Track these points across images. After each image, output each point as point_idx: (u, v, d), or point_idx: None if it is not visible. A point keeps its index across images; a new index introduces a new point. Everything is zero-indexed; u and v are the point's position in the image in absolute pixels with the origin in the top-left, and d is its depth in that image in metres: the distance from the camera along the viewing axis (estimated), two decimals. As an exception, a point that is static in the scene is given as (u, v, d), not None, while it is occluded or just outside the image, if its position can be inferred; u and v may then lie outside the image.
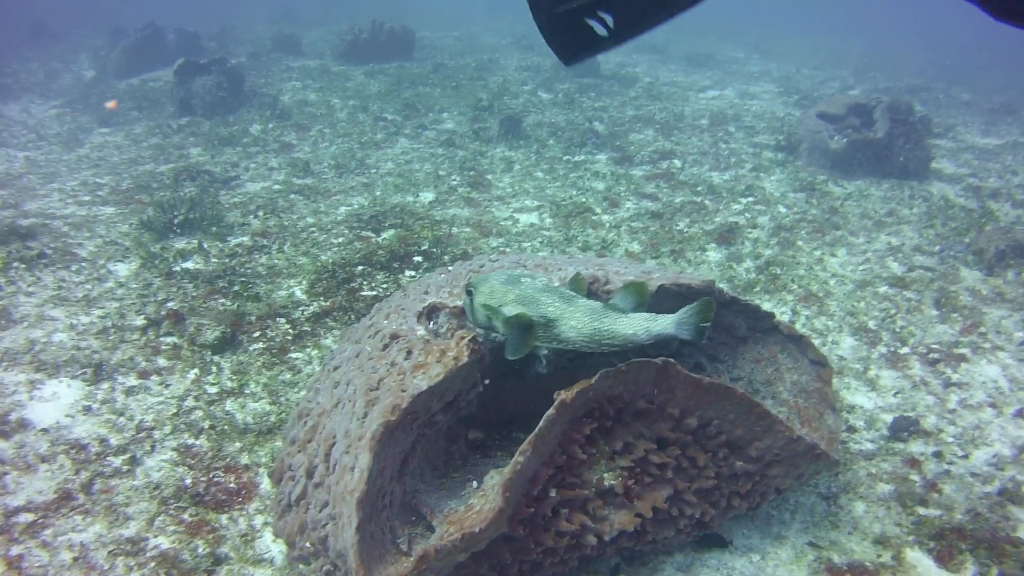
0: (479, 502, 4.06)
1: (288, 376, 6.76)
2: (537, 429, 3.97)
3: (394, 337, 4.62)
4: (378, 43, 21.20)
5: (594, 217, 11.19)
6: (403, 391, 4.11)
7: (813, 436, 5.20)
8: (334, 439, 4.42)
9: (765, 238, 10.98)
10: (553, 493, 4.23)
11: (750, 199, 12.56)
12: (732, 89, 21.90)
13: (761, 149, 15.45)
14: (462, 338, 4.38)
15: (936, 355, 8.30)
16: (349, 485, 3.98)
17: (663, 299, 5.04)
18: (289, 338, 7.27)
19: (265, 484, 5.56)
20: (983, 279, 10.23)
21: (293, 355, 7.07)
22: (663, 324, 4.21)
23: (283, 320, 7.53)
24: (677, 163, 14.16)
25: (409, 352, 4.42)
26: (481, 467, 4.84)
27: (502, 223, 10.66)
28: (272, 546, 5.05)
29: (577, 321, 4.26)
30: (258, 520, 5.26)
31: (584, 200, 11.83)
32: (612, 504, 4.45)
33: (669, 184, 12.93)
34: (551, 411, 4.03)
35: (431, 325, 4.71)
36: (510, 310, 4.26)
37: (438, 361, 4.26)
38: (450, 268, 5.54)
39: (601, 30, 2.87)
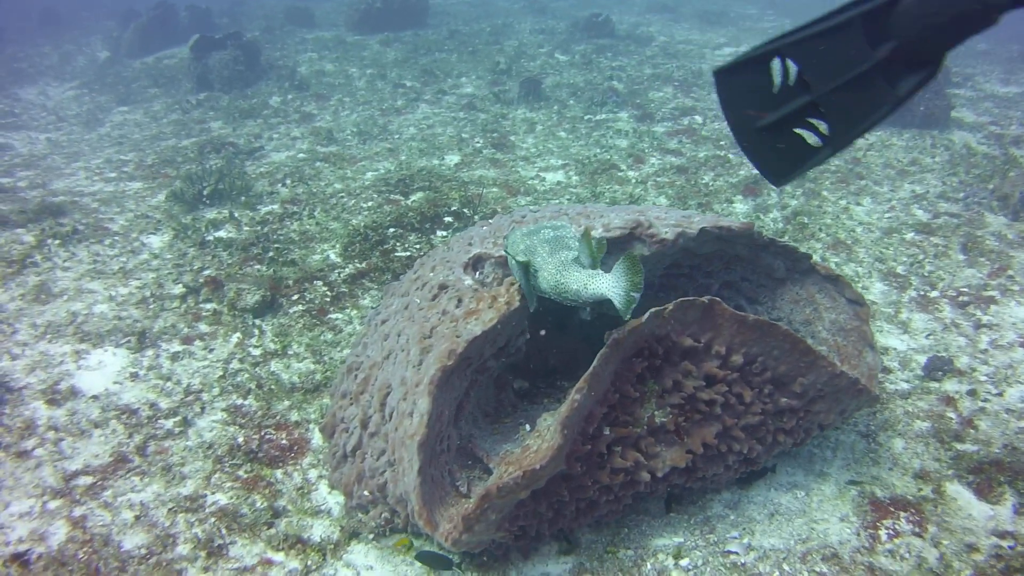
0: (536, 442, 4.16)
1: (330, 336, 6.87)
2: (592, 367, 4.06)
3: (443, 287, 4.71)
4: (391, 11, 21.14)
5: (620, 173, 11.21)
6: (458, 336, 4.21)
7: (854, 373, 5.27)
8: (389, 388, 4.52)
9: (790, 189, 10.98)
10: (607, 431, 4.32)
11: (773, 153, 12.50)
12: (748, 46, 21.57)
13: (787, 104, 15.31)
14: (512, 283, 4.47)
15: (966, 298, 8.33)
16: (409, 430, 4.09)
17: (704, 242, 5.11)
18: (328, 299, 7.37)
19: (316, 439, 5.68)
20: (1009, 224, 10.22)
21: (333, 316, 7.17)
22: (598, 285, 4.05)
23: (320, 283, 7.62)
24: (699, 119, 14.12)
25: (459, 300, 4.51)
26: (531, 413, 4.95)
27: (529, 182, 10.71)
28: (328, 498, 5.17)
29: (548, 273, 4.24)
30: (312, 474, 5.38)
31: (609, 157, 11.84)
32: (663, 441, 4.54)
33: (692, 139, 12.90)
34: (604, 349, 4.11)
35: (477, 275, 4.79)
36: (519, 259, 4.32)
37: (490, 307, 4.35)
38: (491, 220, 5.62)
39: (814, 139, 2.69)
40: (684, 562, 4.76)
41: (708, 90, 16.04)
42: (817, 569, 4.80)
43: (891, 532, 5.19)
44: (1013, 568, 4.94)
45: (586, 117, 13.95)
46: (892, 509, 5.38)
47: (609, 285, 3.98)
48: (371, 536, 4.79)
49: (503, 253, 4.79)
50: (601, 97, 14.74)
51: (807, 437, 5.24)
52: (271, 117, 13.62)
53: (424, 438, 3.98)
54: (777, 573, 4.74)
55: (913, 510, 5.38)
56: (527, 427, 4.69)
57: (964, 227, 9.99)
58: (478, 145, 12.27)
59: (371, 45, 19.34)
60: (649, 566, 4.71)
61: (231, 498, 5.15)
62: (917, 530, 5.22)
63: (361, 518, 4.78)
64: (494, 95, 14.89)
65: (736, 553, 4.86)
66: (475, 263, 4.82)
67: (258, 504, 5.09)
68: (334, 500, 5.14)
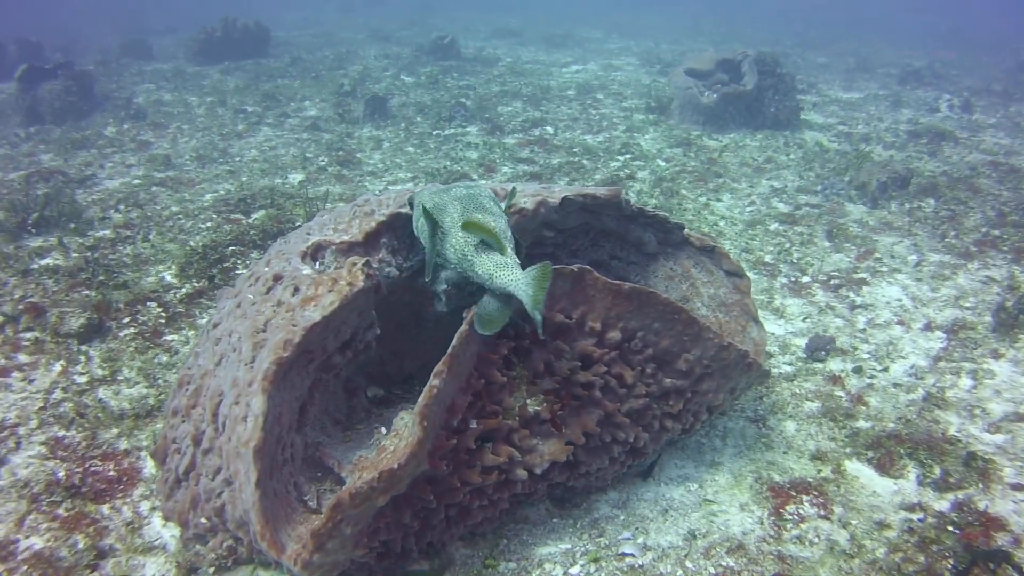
0: (393, 442, 3.60)
1: (165, 358, 6.16)
2: (451, 348, 3.53)
3: (277, 278, 4.11)
4: (232, 41, 20.33)
5: (469, 181, 10.84)
6: (294, 326, 3.62)
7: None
8: (221, 395, 3.89)
9: (648, 189, 10.80)
10: (474, 424, 3.79)
11: (628, 156, 12.40)
12: (595, 64, 21.84)
13: (632, 112, 15.35)
14: (354, 264, 3.91)
15: (837, 281, 8.20)
16: (243, 436, 3.47)
17: (569, 212, 4.65)
18: (162, 321, 6.65)
19: (149, 467, 4.97)
20: (868, 211, 10.26)
21: (168, 337, 6.46)
22: (506, 279, 3.54)
23: (154, 304, 6.90)
24: (549, 129, 13.93)
25: (296, 289, 3.92)
26: (386, 418, 4.38)
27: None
28: (163, 531, 4.47)
29: (456, 240, 3.72)
30: (144, 506, 4.66)
31: (459, 168, 11.46)
32: (539, 433, 4.04)
33: (544, 148, 12.66)
34: (463, 327, 3.60)
35: (317, 265, 4.21)
36: (428, 207, 3.76)
37: (330, 291, 3.77)
38: (331, 208, 5.05)
39: None
40: (574, 570, 4.25)
41: (557, 103, 15.93)
42: (723, 563, 4.36)
43: (796, 517, 4.82)
44: (927, 540, 4.62)
45: (434, 132, 13.58)
46: (793, 493, 5.02)
47: (521, 285, 3.48)
48: (211, 571, 4.11)
49: (344, 239, 4.22)
50: (449, 112, 14.40)
51: (696, 422, 4.82)
52: (106, 147, 12.72)
53: (260, 443, 3.36)
54: (680, 572, 4.28)
55: (815, 492, 5.04)
56: (383, 430, 4.12)
57: (826, 216, 9.98)
58: (323, 163, 11.73)
59: (211, 74, 18.53)
60: (534, 577, 4.19)
61: (48, 540, 4.40)
62: (823, 512, 4.87)
63: (199, 550, 4.11)
64: (339, 116, 14.38)
65: (632, 555, 4.38)
66: (314, 251, 4.24)
67: (80, 545, 4.36)
68: (169, 533, 4.44)
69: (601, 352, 4.14)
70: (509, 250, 3.62)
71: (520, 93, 16.76)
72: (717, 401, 4.79)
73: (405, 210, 4.27)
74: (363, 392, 4.56)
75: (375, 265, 4.09)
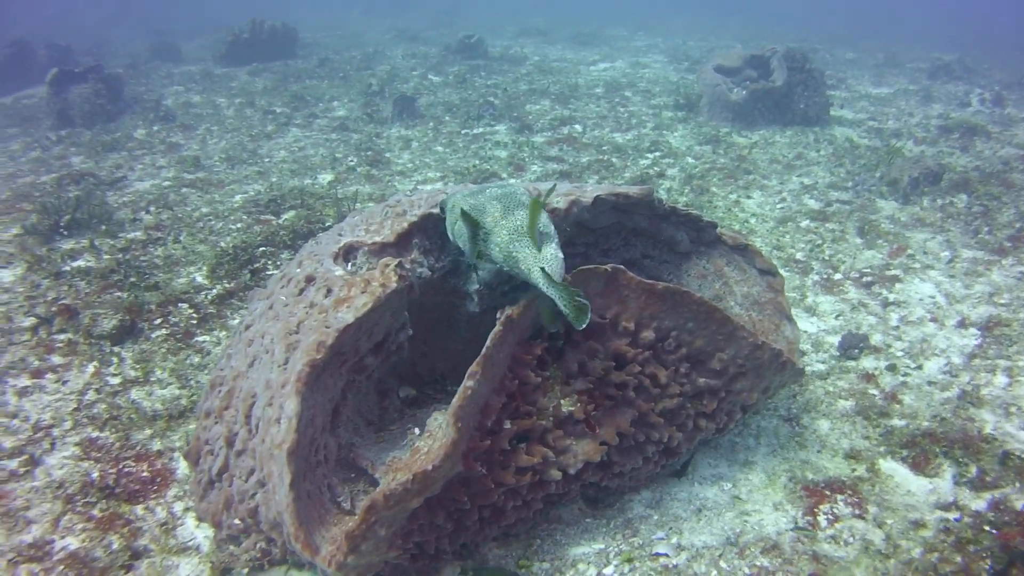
0: (427, 443, 3.58)
1: (197, 359, 6.18)
2: (484, 349, 3.52)
3: (310, 280, 4.11)
4: (260, 42, 20.41)
5: (500, 181, 10.82)
6: (327, 327, 3.61)
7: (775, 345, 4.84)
8: (254, 397, 3.89)
9: (678, 187, 10.75)
10: (508, 425, 3.77)
11: (657, 154, 12.34)
12: (622, 61, 21.79)
13: (660, 110, 15.29)
14: (387, 265, 3.90)
15: (869, 278, 8.12)
16: (276, 438, 3.47)
17: (601, 211, 4.62)
18: (194, 322, 6.68)
19: (182, 468, 4.99)
20: (900, 207, 10.15)
21: (200, 338, 6.48)
22: (537, 275, 3.49)
23: (185, 305, 6.93)
24: (578, 127, 13.89)
25: (329, 290, 3.91)
26: (420, 419, 4.36)
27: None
28: (196, 532, 4.48)
29: (500, 238, 3.65)
30: (178, 506, 4.68)
31: (488, 167, 11.45)
32: (573, 433, 4.01)
33: (573, 147, 12.63)
34: (497, 328, 3.58)
35: (349, 266, 4.20)
36: (467, 212, 3.73)
37: (363, 292, 3.76)
38: (362, 210, 5.05)
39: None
40: (608, 570, 4.22)
41: (585, 101, 15.89)
42: (758, 563, 4.32)
43: (830, 517, 4.77)
44: (964, 540, 4.55)
45: (463, 132, 13.57)
46: (827, 493, 4.97)
47: (547, 281, 3.46)
48: (245, 572, 4.12)
49: (376, 240, 4.20)
50: (478, 111, 14.39)
51: (730, 421, 4.78)
52: (135, 149, 12.80)
53: (294, 445, 3.36)
54: (715, 572, 4.24)
55: (850, 492, 4.99)
56: (416, 431, 4.11)
57: (857, 212, 9.88)
58: (352, 163, 11.74)
59: (239, 76, 18.62)
60: (568, 577, 4.17)
61: (83, 541, 4.43)
62: (857, 512, 4.82)
63: (233, 551, 4.12)
64: (367, 116, 14.40)
65: (666, 555, 4.34)
66: (346, 253, 4.23)
67: (114, 545, 4.38)
68: (203, 534, 4.46)
69: (635, 352, 4.11)
70: (553, 246, 3.59)
71: (548, 91, 16.73)
72: (751, 400, 4.74)
73: (436, 210, 4.25)
74: (395, 393, 4.55)
75: (407, 266, 4.08)
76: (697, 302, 4.08)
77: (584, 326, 3.38)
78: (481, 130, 13.71)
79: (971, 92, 17.45)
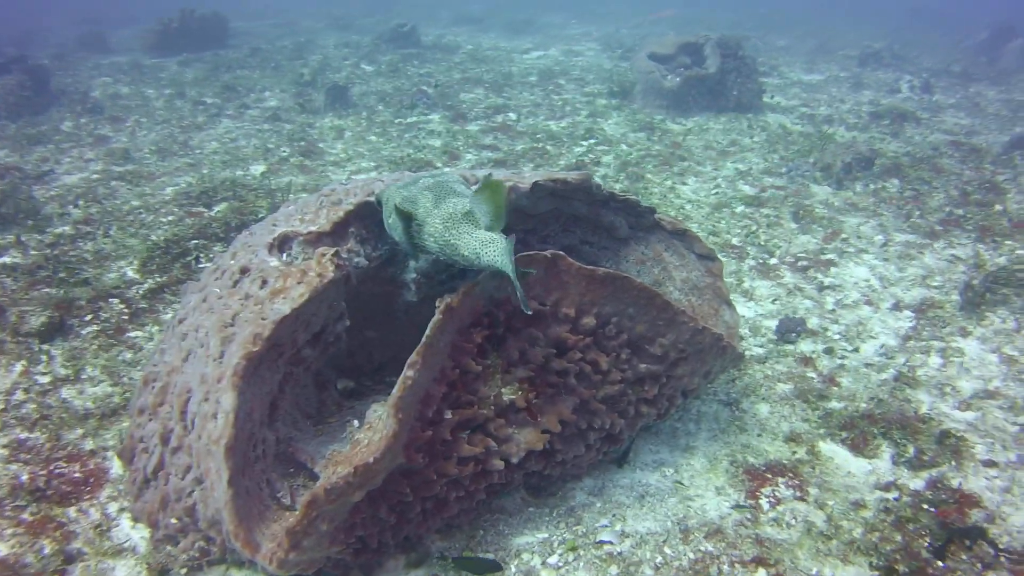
0: (367, 435, 3.52)
1: (129, 355, 6.03)
2: (425, 338, 3.46)
3: (244, 271, 4.01)
4: (190, 31, 20.02)
5: (435, 170, 10.75)
6: (263, 319, 3.53)
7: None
8: (189, 392, 3.80)
9: (613, 174, 10.78)
10: (449, 414, 3.72)
11: (592, 141, 12.37)
12: (555, 49, 21.80)
13: (594, 97, 15.32)
14: (323, 255, 3.82)
15: (805, 263, 8.21)
16: (213, 434, 3.38)
17: (540, 198, 4.59)
18: (125, 317, 6.51)
19: (116, 467, 4.85)
20: (834, 192, 10.31)
21: (132, 334, 6.32)
22: (493, 255, 3.40)
23: (116, 300, 6.75)
24: (512, 116, 13.86)
25: (264, 281, 3.82)
26: (359, 410, 4.30)
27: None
28: (132, 533, 4.36)
29: (433, 228, 3.57)
30: (112, 507, 4.55)
31: (422, 156, 11.36)
32: (515, 422, 3.98)
33: (507, 135, 12.60)
34: (437, 316, 3.53)
35: (284, 256, 4.11)
36: (400, 206, 3.65)
37: (299, 282, 3.68)
38: (296, 199, 4.95)
39: None
40: (552, 559, 4.20)
41: (519, 89, 15.88)
42: (702, 548, 4.34)
43: (772, 500, 4.81)
44: (904, 519, 4.62)
45: (397, 121, 13.47)
46: (769, 476, 5.01)
47: (507, 256, 3.37)
48: (183, 572, 4.02)
49: (312, 230, 4.11)
50: (411, 100, 14.29)
51: (671, 407, 4.79)
52: (63, 142, 12.46)
53: (231, 440, 3.28)
54: (660, 558, 4.25)
55: (791, 474, 5.04)
56: (355, 423, 4.04)
57: (792, 198, 10.00)
58: (284, 154, 11.57)
59: (169, 66, 18.26)
60: (514, 568, 4.13)
61: (13, 547, 4.28)
62: (799, 494, 4.87)
63: (171, 551, 4.02)
64: (299, 106, 14.21)
65: (610, 542, 4.34)
66: (281, 243, 4.13)
67: (46, 550, 4.24)
68: (139, 534, 4.34)
69: (576, 338, 4.08)
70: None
71: (482, 80, 16.67)
72: (692, 385, 4.76)
73: (373, 198, 4.18)
74: (333, 385, 4.48)
75: (344, 255, 4.00)
76: (638, 287, 4.07)
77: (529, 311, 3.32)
78: (415, 119, 13.62)
79: (900, 79, 17.77)
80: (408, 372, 3.37)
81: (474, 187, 3.79)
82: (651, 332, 4.31)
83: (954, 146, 12.49)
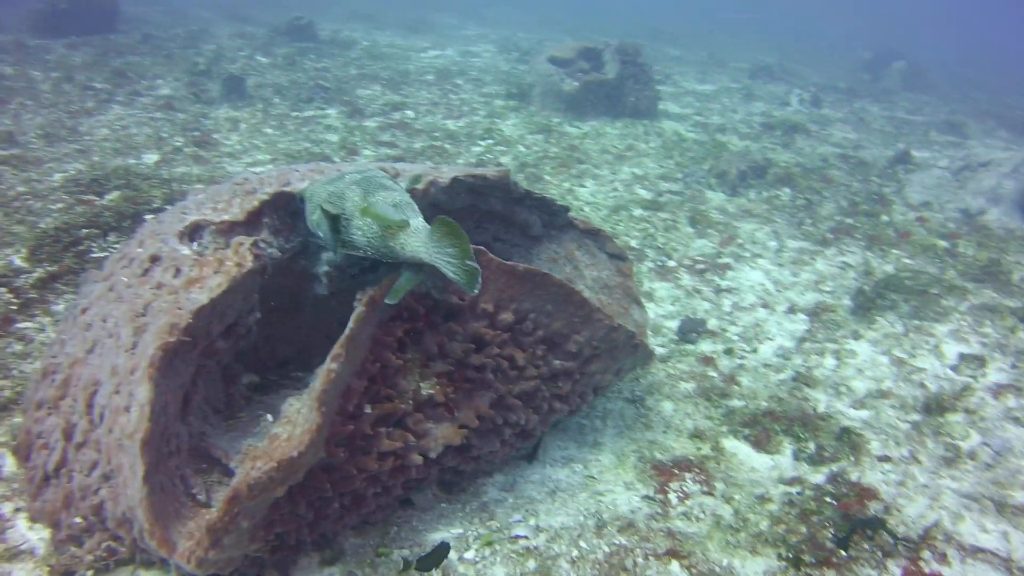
0: (286, 429, 3.44)
1: (19, 347, 5.75)
2: (348, 331, 3.41)
3: (155, 260, 3.88)
4: (78, 13, 19.20)
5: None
6: (180, 308, 3.42)
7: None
8: (97, 385, 3.65)
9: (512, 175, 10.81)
10: (369, 409, 3.67)
11: (489, 142, 12.38)
12: (452, 50, 21.76)
13: (492, 98, 15.35)
14: (240, 244, 3.73)
15: (702, 266, 8.38)
16: (127, 428, 3.26)
17: (458, 193, 4.57)
18: (14, 308, 6.21)
19: (9, 465, 4.62)
20: (728, 199, 10.55)
21: (21, 325, 6.04)
22: (414, 245, 3.34)
23: (4, 289, 6.44)
24: (410, 113, 13.78)
25: (178, 270, 3.71)
26: (269, 404, 4.21)
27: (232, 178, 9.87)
28: (29, 534, 4.15)
29: (363, 222, 3.48)
30: (6, 507, 4.33)
31: (319, 150, 11.20)
32: (433, 416, 3.95)
33: (405, 132, 12.52)
34: (360, 308, 3.48)
35: (195, 245, 3.99)
36: (325, 208, 3.56)
37: (216, 272, 3.58)
38: (207, 188, 4.81)
39: None
40: (469, 554, 4.18)
41: (417, 87, 15.81)
42: (616, 541, 4.38)
43: (680, 494, 4.90)
44: (807, 511, 4.76)
45: (293, 114, 13.24)
46: (676, 471, 5.10)
47: (430, 248, 3.29)
48: (89, 573, 3.86)
49: (225, 219, 4.00)
50: (308, 94, 14.09)
51: (582, 403, 4.83)
52: (-60, 127, 11.89)
53: (147, 435, 3.16)
54: (575, 551, 4.27)
55: (697, 470, 5.13)
56: (268, 417, 3.96)
57: (688, 203, 10.21)
58: (178, 144, 11.25)
59: (56, 48, 17.51)
60: (430, 564, 4.10)
61: None
62: (706, 489, 4.97)
63: (75, 552, 3.85)
64: (194, 95, 13.84)
65: (525, 537, 4.34)
66: (192, 232, 4.01)
67: (-66, 556, 4.03)
68: (37, 535, 4.13)
69: (494, 334, 4.08)
70: (419, 218, 3.47)
71: (379, 77, 16.53)
72: (604, 382, 4.81)
73: (288, 188, 4.09)
74: (240, 380, 4.37)
75: (261, 246, 3.91)
76: (556, 284, 4.09)
77: (476, 291, 3.25)
78: (312, 113, 13.41)
79: (790, 92, 18.34)
80: (332, 365, 3.32)
81: (400, 181, 3.75)
82: (567, 329, 4.34)
83: (843, 159, 12.94)
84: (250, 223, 4.01)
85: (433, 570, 4.03)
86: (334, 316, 4.13)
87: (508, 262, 3.92)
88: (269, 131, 12.22)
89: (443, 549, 4.11)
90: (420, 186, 4.22)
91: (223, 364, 4.08)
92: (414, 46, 21.81)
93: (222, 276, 3.53)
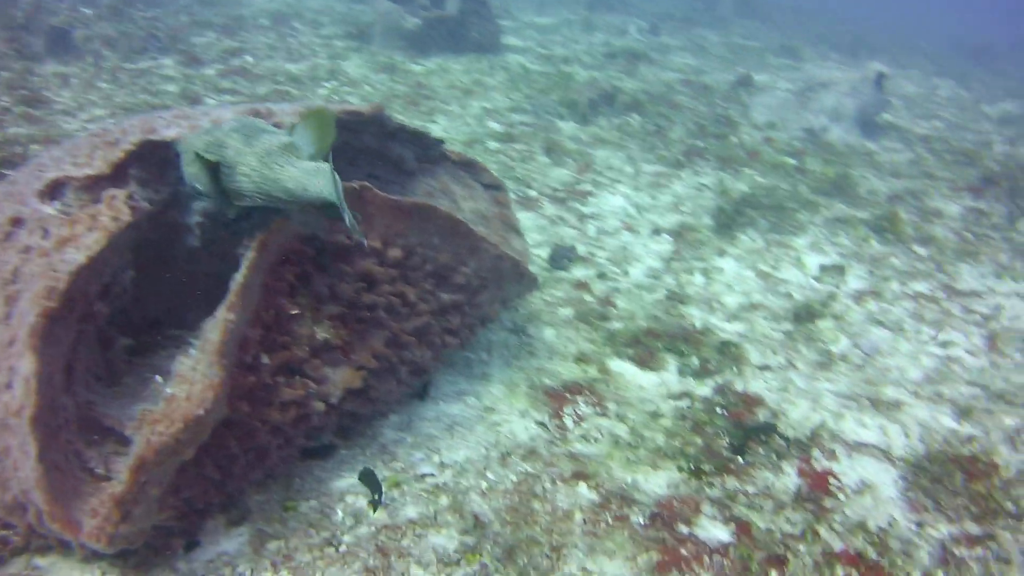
0: (183, 389, 3.27)
1: None
2: (240, 278, 3.26)
3: (17, 222, 3.60)
4: None
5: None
6: (55, 271, 3.19)
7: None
8: (-34, 363, 3.39)
9: (364, 116, 10.62)
10: (266, 359, 3.54)
11: (334, 83, 12.10)
12: (291, -6, 21.10)
13: (332, 39, 14.97)
14: (113, 197, 3.50)
15: (563, 194, 8.43)
16: (12, 404, 3.04)
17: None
18: None
19: None
20: (580, 127, 10.64)
21: None
22: (321, 186, 3.19)
23: None
24: (249, 59, 13.29)
25: (46, 231, 3.46)
26: (154, 366, 4.01)
27: (76, 135, 9.30)
28: (-100, 529, 3.88)
29: (249, 167, 3.26)
30: None
31: (160, 102, 10.70)
32: (330, 361, 3.85)
33: (246, 78, 12.09)
34: (252, 255, 3.33)
35: (57, 205, 3.73)
36: (205, 155, 3.34)
37: (91, 228, 3.36)
38: (62, 142, 4.49)
39: None
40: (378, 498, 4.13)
41: (253, 33, 15.27)
42: (522, 469, 4.41)
43: (575, 418, 4.95)
44: (700, 423, 4.90)
45: (127, 66, 12.58)
46: (567, 395, 5.15)
47: (335, 187, 3.15)
48: (-24, 565, 3.64)
49: (88, 173, 3.74)
50: (141, 44, 13.41)
51: (472, 336, 4.82)
52: None
53: (37, 411, 2.96)
54: (484, 483, 4.27)
55: (588, 392, 5.20)
56: (158, 379, 3.78)
57: (541, 133, 10.22)
58: (5, 104, 10.53)
59: None
60: (340, 512, 4.01)
61: None
62: (599, 410, 5.04)
63: (-45, 545, 3.60)
64: (15, 52, 12.95)
65: (432, 474, 4.31)
66: (53, 190, 3.74)
67: None
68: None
69: (384, 271, 3.99)
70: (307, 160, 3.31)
71: (212, 23, 15.84)
72: (492, 313, 4.80)
73: (155, 137, 3.85)
74: (116, 343, 4.14)
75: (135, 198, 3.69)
76: (443, 216, 4.03)
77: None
78: (147, 64, 12.77)
79: (628, 22, 18.55)
80: (228, 315, 3.17)
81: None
82: (455, 261, 4.29)
83: (686, 84, 13.21)
84: (116, 176, 3.75)
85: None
86: (205, 269, 3.96)
87: (394, 197, 3.82)
88: (103, 85, 11.56)
89: (370, 475, 4.08)
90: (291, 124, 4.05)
91: (100, 328, 3.86)
92: (245, -9, 21.02)
93: (99, 232, 3.32)
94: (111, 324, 4.05)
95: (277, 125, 4.08)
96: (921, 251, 8.06)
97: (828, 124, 11.37)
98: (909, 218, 8.75)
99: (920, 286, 7.30)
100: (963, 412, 5.51)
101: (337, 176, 3.21)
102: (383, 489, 4.13)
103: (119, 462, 3.29)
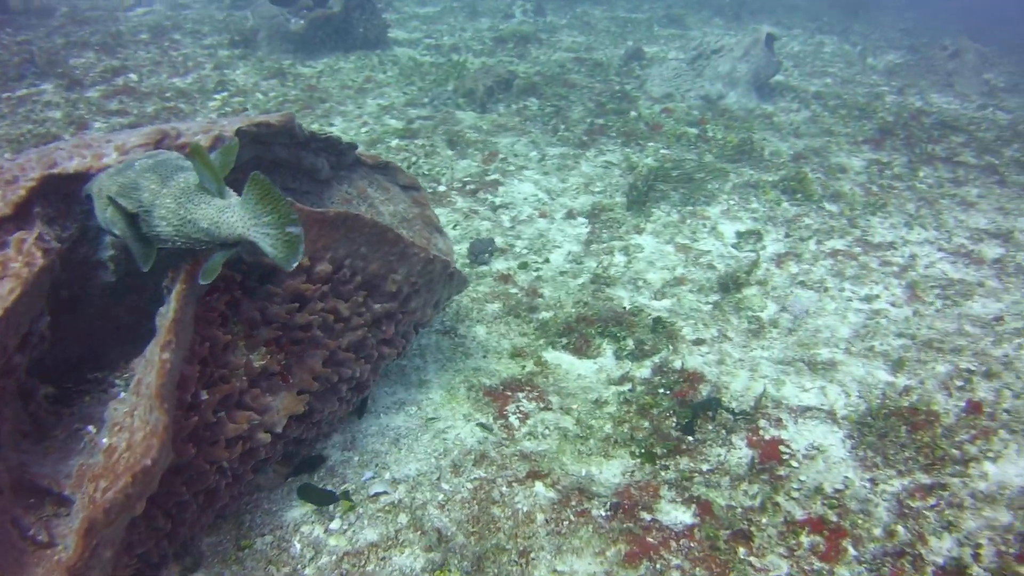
0: (122, 438, 3.07)
1: None
2: (172, 313, 3.07)
3: (-88, 278, 3.34)
4: None
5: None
6: (-33, 329, 2.96)
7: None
8: None
9: (266, 127, 10.32)
10: (205, 395, 3.36)
11: (224, 94, 11.75)
12: (160, 4, 20.41)
13: (216, 49, 14.55)
14: (22, 240, 3.27)
15: (472, 186, 8.31)
16: (-67, 476, 2.81)
17: (243, 145, 4.22)
18: None
19: None
20: (480, 116, 10.52)
21: None
22: (231, 222, 3.02)
23: None
24: (133, 77, 12.82)
25: (-53, 284, 3.21)
26: (82, 416, 3.78)
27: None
28: None
29: (167, 209, 3.10)
30: None
31: (44, 130, 10.22)
32: (269, 388, 3.68)
33: (133, 97, 11.65)
34: (180, 287, 3.14)
35: (-45, 254, 3.47)
36: (120, 201, 3.13)
37: (2, 277, 3.12)
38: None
39: None
40: (335, 524, 3.97)
41: (134, 48, 14.74)
42: (475, 475, 4.30)
43: (520, 416, 4.86)
44: (646, 406, 4.86)
45: (4, 95, 12.01)
46: (508, 393, 5.06)
47: (247, 222, 2.97)
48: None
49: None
50: (16, 71, 12.82)
51: (407, 344, 4.67)
52: None
53: (-37, 480, 2.74)
54: (440, 495, 4.16)
55: (528, 387, 5.12)
56: (90, 429, 3.56)
57: (441, 126, 10.07)
58: None
59: None
60: (298, 544, 3.84)
61: None
62: (542, 405, 4.97)
63: None
64: None
65: (385, 492, 4.17)
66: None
67: None
68: None
69: (314, 288, 3.83)
70: (230, 192, 3.13)
71: (89, 42, 15.23)
72: (425, 317, 4.67)
73: (57, 170, 3.62)
74: (37, 393, 3.90)
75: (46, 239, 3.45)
76: (369, 224, 3.88)
77: (296, 263, 2.96)
78: (25, 91, 12.20)
79: (513, 4, 18.44)
80: (164, 355, 2.98)
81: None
82: (384, 269, 4.14)
83: (578, 62, 13.18)
84: (18, 216, 3.52)
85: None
86: (121, 304, 3.76)
87: (317, 210, 3.66)
88: (-18, 113, 11.02)
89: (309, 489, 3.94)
90: (204, 143, 3.86)
91: (19, 380, 3.62)
92: (118, 5, 20.25)
93: (12, 281, 3.08)
94: (28, 373, 3.81)
95: (187, 145, 3.89)
96: (832, 208, 8.18)
97: (724, 90, 11.49)
98: (816, 176, 8.88)
99: (837, 243, 7.40)
100: (896, 364, 5.59)
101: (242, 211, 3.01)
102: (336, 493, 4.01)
103: (61, 525, 3.08)
